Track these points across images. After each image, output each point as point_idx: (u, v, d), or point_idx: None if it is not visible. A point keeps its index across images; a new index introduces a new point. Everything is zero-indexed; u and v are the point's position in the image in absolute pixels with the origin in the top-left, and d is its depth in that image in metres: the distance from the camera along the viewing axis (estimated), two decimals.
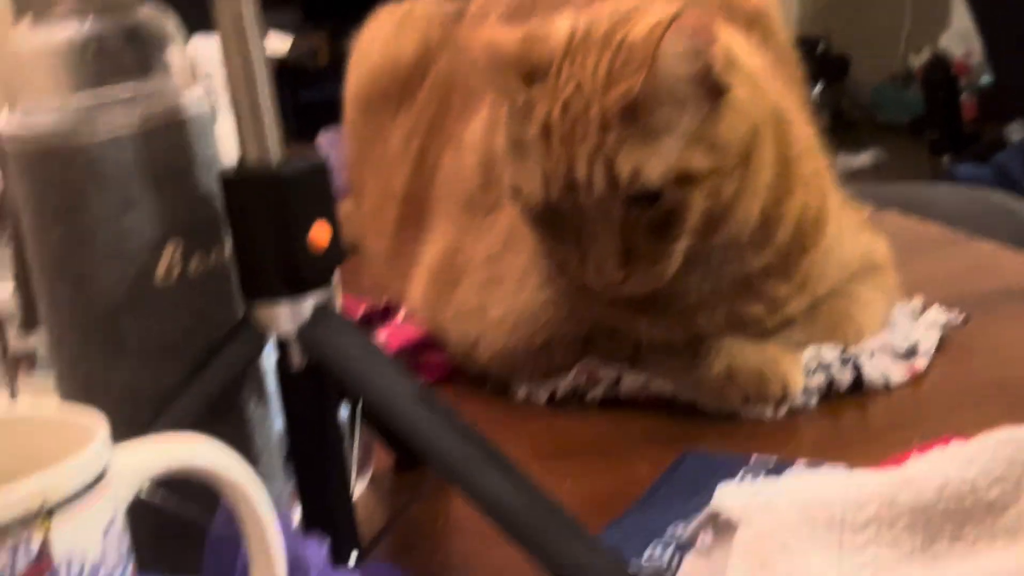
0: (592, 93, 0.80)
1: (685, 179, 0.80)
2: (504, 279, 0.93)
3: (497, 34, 0.84)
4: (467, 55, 0.84)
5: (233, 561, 0.62)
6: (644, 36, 0.80)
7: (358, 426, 0.74)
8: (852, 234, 0.92)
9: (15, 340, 0.89)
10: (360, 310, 1.03)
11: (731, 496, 0.57)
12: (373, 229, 1.11)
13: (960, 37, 4.26)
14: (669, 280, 0.83)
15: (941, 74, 4.09)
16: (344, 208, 1.12)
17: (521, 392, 0.92)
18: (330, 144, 1.46)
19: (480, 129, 0.99)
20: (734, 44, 0.84)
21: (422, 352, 0.98)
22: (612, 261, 0.80)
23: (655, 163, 0.79)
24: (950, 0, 4.35)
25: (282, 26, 4.37)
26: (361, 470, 0.79)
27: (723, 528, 0.57)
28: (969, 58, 4.20)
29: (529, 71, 0.82)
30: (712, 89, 0.80)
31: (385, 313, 1.04)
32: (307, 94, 4.51)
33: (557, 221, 0.82)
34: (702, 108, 0.80)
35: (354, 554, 0.68)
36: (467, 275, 0.96)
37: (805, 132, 0.89)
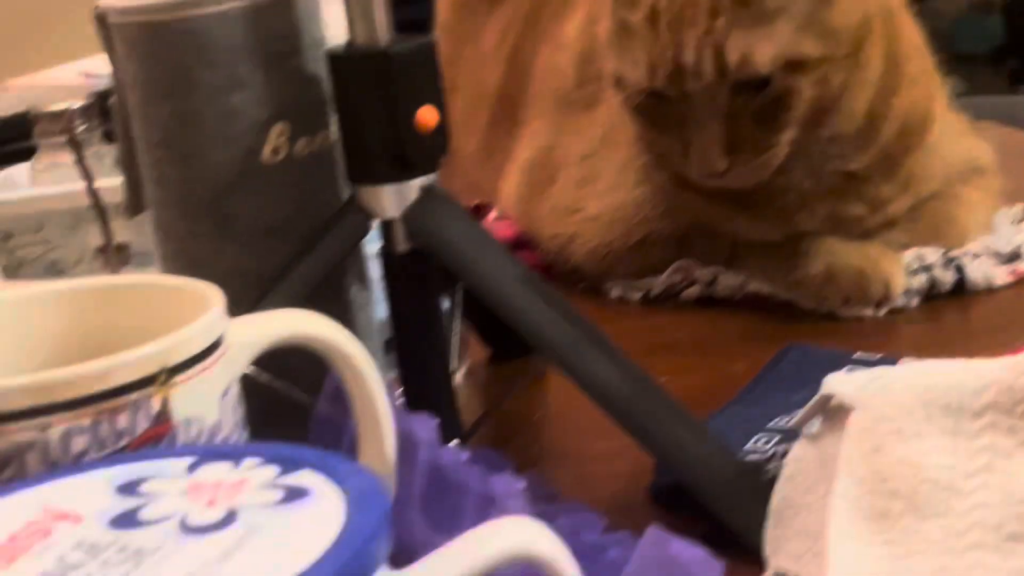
0: None
1: (795, 65, 0.79)
2: (600, 177, 0.93)
3: None
4: None
5: (337, 441, 0.62)
6: None
7: (458, 314, 0.74)
8: (956, 136, 0.90)
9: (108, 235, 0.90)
10: None
11: (844, 381, 0.56)
12: (465, 129, 1.10)
13: None
14: (771, 175, 0.82)
15: (1022, 2, 4.00)
16: None
17: (615, 291, 0.92)
18: None
19: (577, 27, 0.98)
20: None
21: (515, 250, 0.97)
22: (716, 150, 0.79)
23: (765, 48, 0.78)
24: None
25: None
26: (458, 361, 0.79)
27: (834, 414, 0.56)
28: None
29: None
30: None
31: (477, 212, 1.03)
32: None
33: (660, 110, 0.81)
34: None
35: (455, 441, 0.69)
36: (562, 172, 0.95)
37: (913, 31, 0.88)
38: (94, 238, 1.03)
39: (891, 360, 0.71)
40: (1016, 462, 0.53)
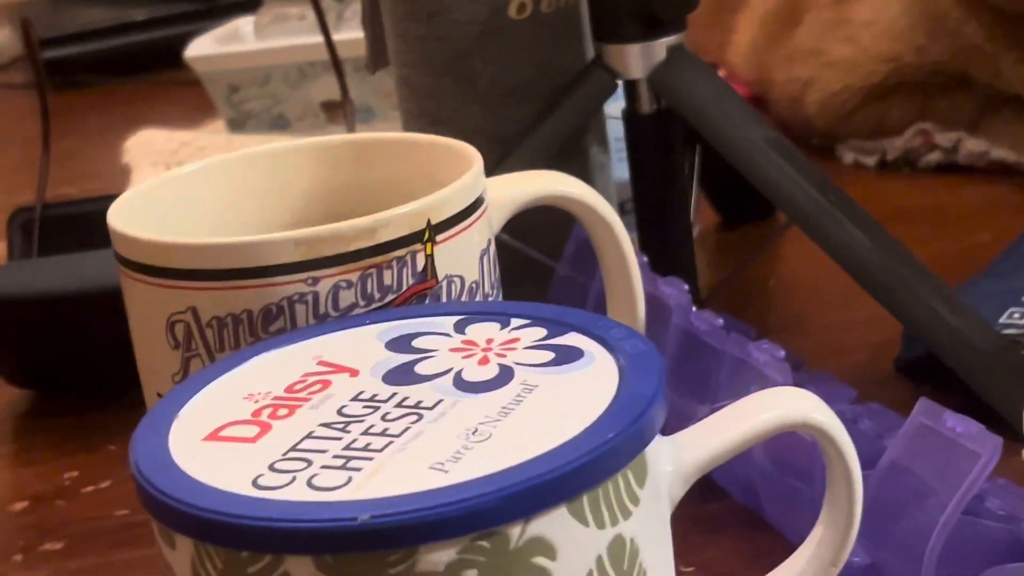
0: None
1: None
2: (852, 22, 0.89)
3: None
4: None
5: (581, 303, 0.62)
6: None
7: (696, 177, 0.72)
8: None
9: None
10: None
11: None
12: None
13: None
14: None
15: None
16: None
17: (848, 156, 0.90)
18: None
19: None
20: None
21: None
22: None
23: None
24: None
25: None
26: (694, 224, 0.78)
27: None
28: None
29: None
30: None
31: None
32: None
33: None
34: None
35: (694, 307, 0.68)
36: (808, 16, 0.92)
37: None
38: (319, 92, 1.04)
39: None
40: None
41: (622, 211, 0.74)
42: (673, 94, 0.64)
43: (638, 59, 0.64)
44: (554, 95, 0.65)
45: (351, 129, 0.84)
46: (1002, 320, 0.62)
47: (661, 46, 0.64)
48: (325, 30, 0.83)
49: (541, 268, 0.65)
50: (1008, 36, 0.83)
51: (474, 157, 0.50)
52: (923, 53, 0.87)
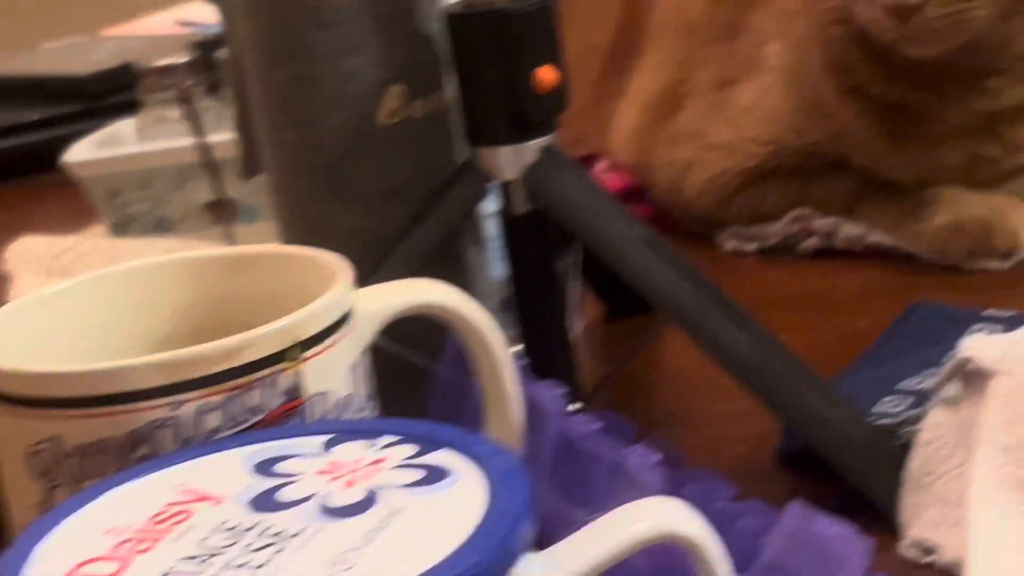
0: None
1: None
2: (733, 106, 0.91)
3: None
4: None
5: (460, 405, 0.62)
6: None
7: (576, 272, 0.73)
8: None
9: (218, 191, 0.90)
10: None
11: (984, 345, 0.54)
12: (574, 82, 1.08)
13: None
14: (925, 102, 0.79)
15: None
16: None
17: (729, 243, 0.90)
18: None
19: None
20: None
21: (626, 201, 0.96)
22: None
23: None
24: None
25: None
26: (575, 321, 0.78)
27: (972, 379, 0.55)
28: None
29: None
30: None
31: (586, 163, 1.02)
32: None
33: None
34: None
35: (576, 404, 0.68)
36: (690, 101, 0.94)
37: None
38: (202, 194, 1.04)
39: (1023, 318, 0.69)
40: None
41: (504, 308, 0.73)
42: (546, 195, 0.64)
43: (510, 161, 0.64)
44: (429, 197, 0.65)
45: (229, 232, 0.83)
46: (877, 409, 0.62)
47: (533, 147, 0.64)
48: (199, 132, 0.83)
49: (422, 370, 0.65)
50: (883, 122, 0.85)
51: (343, 269, 0.50)
52: (801, 136, 0.88)
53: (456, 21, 0.63)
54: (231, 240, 0.91)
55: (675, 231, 0.94)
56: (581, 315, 0.80)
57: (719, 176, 0.90)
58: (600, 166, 1.01)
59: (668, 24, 0.98)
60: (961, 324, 0.69)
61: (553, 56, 0.63)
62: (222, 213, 0.88)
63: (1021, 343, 0.53)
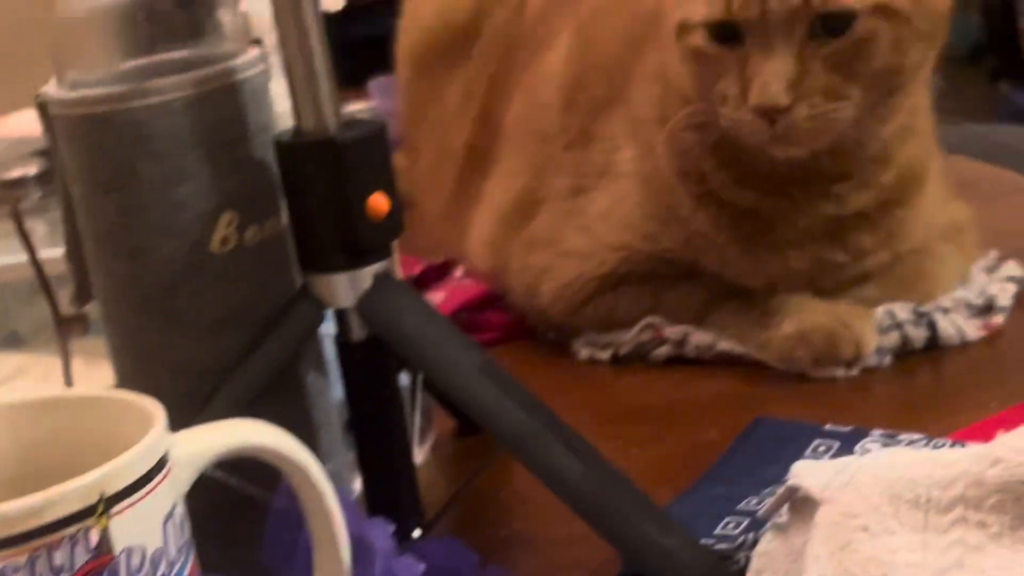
0: None
1: (882, 10, 0.78)
2: (587, 213, 0.91)
3: None
4: None
5: (295, 538, 0.61)
6: None
7: (419, 394, 0.72)
8: (943, 201, 0.90)
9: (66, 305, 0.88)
10: (417, 268, 1.01)
11: (812, 472, 0.54)
12: (430, 189, 1.09)
13: None
14: (774, 207, 0.81)
15: (999, 0, 4.01)
16: (397, 162, 1.10)
17: (583, 352, 0.90)
18: (380, 91, 1.44)
19: (558, 59, 0.96)
20: None
21: (482, 310, 0.96)
22: (781, 82, 0.77)
23: None
24: None
25: None
26: (422, 437, 0.78)
27: (801, 505, 0.55)
28: None
29: None
30: None
31: (443, 270, 1.02)
32: (353, 29, 4.49)
33: (722, 54, 0.80)
34: None
35: (417, 530, 0.67)
36: (544, 208, 0.94)
37: (924, 89, 0.87)
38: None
39: (862, 432, 0.70)
40: (987, 557, 0.52)
41: (348, 429, 0.73)
42: (381, 322, 0.63)
43: (345, 288, 0.63)
44: (264, 325, 0.64)
45: (65, 350, 0.81)
46: (717, 531, 0.62)
47: (367, 274, 0.64)
48: (29, 247, 0.81)
49: (260, 502, 0.64)
50: (735, 227, 0.86)
51: (158, 414, 0.49)
52: (654, 242, 0.89)
53: (287, 150, 0.63)
54: (84, 356, 0.89)
55: (532, 338, 0.94)
56: (430, 432, 0.79)
57: (573, 282, 0.90)
58: (458, 272, 1.01)
59: (521, 131, 0.99)
60: (802, 440, 0.70)
61: (385, 183, 0.63)
62: (69, 330, 0.86)
63: (846, 471, 0.54)
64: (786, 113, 0.78)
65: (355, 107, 1.49)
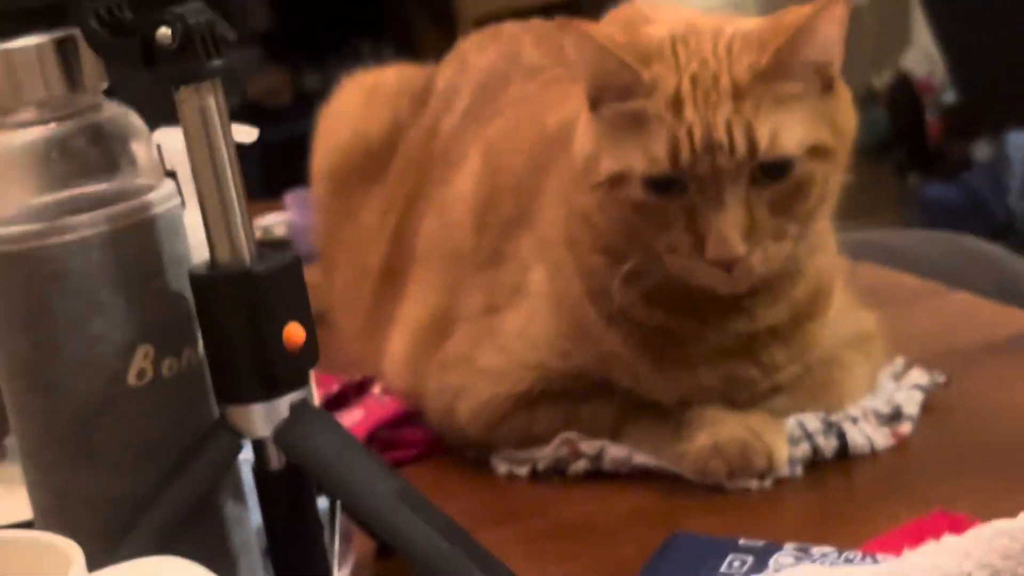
0: (719, 67, 0.81)
1: (815, 152, 0.81)
2: (501, 331, 0.92)
3: (593, 26, 0.84)
4: (581, 40, 0.83)
5: None
6: (778, 21, 0.82)
7: (337, 518, 0.72)
8: (850, 309, 0.92)
9: None
10: (335, 386, 1.01)
11: None
12: (346, 307, 1.09)
13: (922, 56, 4.28)
14: (686, 326, 0.83)
15: (905, 94, 4.10)
16: (312, 277, 1.11)
17: (502, 467, 0.91)
18: (296, 204, 1.45)
19: (468, 180, 0.98)
20: None
21: (400, 427, 0.96)
22: (737, 234, 0.79)
23: (791, 131, 0.80)
24: (911, 19, 4.37)
25: (243, 65, 4.38)
26: (342, 560, 0.78)
27: None
28: (932, 77, 4.22)
29: (643, 55, 0.82)
30: (828, 83, 0.82)
31: (361, 388, 1.02)
32: (271, 133, 4.51)
33: (663, 205, 0.81)
34: (821, 96, 0.82)
35: None
36: (459, 327, 0.95)
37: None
38: None
39: (775, 547, 0.71)
40: None
41: (267, 556, 0.73)
42: (298, 451, 0.64)
43: (262, 418, 0.64)
44: (181, 457, 0.64)
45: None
46: None
47: (284, 404, 0.64)
48: None
49: None
50: (646, 345, 0.87)
51: (74, 557, 0.49)
52: (568, 358, 0.90)
53: (202, 282, 0.64)
54: (3, 484, 0.88)
55: (451, 454, 0.95)
56: (349, 555, 0.79)
57: (489, 402, 0.91)
58: (376, 389, 1.01)
59: (435, 250, 1.00)
60: (717, 556, 0.71)
61: (301, 313, 0.64)
62: None
63: None
64: (743, 261, 0.80)
65: (272, 219, 1.50)
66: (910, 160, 4.01)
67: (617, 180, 0.83)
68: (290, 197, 1.45)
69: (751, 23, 0.83)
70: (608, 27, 0.86)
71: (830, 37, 0.81)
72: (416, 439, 0.95)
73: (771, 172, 0.80)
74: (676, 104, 0.81)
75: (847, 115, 0.84)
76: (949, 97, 4.13)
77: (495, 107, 1.00)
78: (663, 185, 0.81)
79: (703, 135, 0.79)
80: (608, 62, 0.82)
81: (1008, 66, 3.59)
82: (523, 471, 0.90)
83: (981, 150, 3.71)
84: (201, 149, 0.63)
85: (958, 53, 3.89)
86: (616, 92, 0.83)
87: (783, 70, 0.80)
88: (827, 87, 0.82)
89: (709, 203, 0.80)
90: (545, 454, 0.89)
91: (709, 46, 0.82)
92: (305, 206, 1.32)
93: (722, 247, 0.79)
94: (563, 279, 0.89)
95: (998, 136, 3.46)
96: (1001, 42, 3.59)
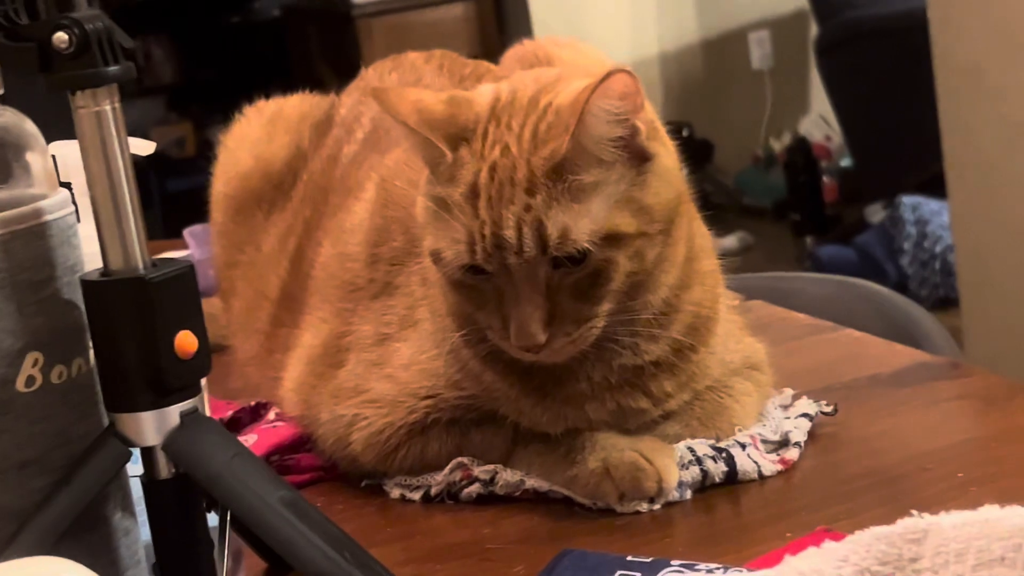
0: (519, 155, 0.81)
1: (612, 239, 0.81)
2: (391, 361, 0.92)
3: (424, 96, 0.84)
4: (395, 116, 0.84)
5: None
6: (571, 99, 0.81)
7: (227, 534, 0.72)
8: (736, 337, 0.93)
9: None
10: (229, 412, 1.01)
11: None
12: (244, 331, 1.09)
13: (820, 121, 4.37)
14: (568, 362, 0.84)
15: (802, 157, 4.18)
16: (211, 307, 1.10)
17: (395, 491, 0.91)
18: (196, 239, 1.44)
19: (363, 211, 0.98)
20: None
21: (294, 452, 0.96)
22: (536, 323, 0.80)
23: (583, 224, 0.80)
24: (809, 85, 4.46)
25: (147, 116, 4.36)
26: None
27: None
28: (829, 141, 4.31)
29: (455, 133, 0.83)
30: (638, 154, 0.82)
31: (255, 413, 1.02)
32: (174, 183, 4.48)
33: (479, 285, 0.82)
34: (629, 172, 0.82)
35: None
36: (352, 356, 0.95)
37: (704, 231, 0.91)
38: None
39: (662, 563, 0.72)
40: None
41: (155, 572, 0.72)
42: (187, 460, 0.64)
43: (151, 427, 0.64)
44: (69, 466, 0.64)
45: None
46: None
47: (174, 412, 0.64)
48: None
49: None
50: (525, 382, 0.87)
51: None
52: (458, 387, 0.90)
53: (94, 289, 0.64)
54: None
55: (344, 479, 0.95)
56: (240, 571, 0.79)
57: (383, 431, 0.91)
58: (271, 414, 1.01)
59: (329, 279, 1.00)
60: (605, 572, 0.71)
61: (194, 321, 0.64)
62: None
63: None
64: (545, 346, 0.81)
65: (171, 255, 1.50)
66: (806, 222, 4.08)
67: (436, 258, 0.84)
68: (189, 232, 1.44)
69: (574, 91, 0.82)
70: (434, 95, 0.85)
71: (620, 110, 0.80)
72: (310, 463, 0.95)
73: (571, 259, 0.81)
74: (473, 197, 0.81)
75: (665, 181, 0.83)
76: (845, 161, 4.21)
77: (393, 137, 1.01)
78: (474, 269, 0.82)
79: (492, 234, 0.80)
80: (416, 137, 0.84)
81: (901, 132, 3.68)
82: (416, 496, 0.90)
83: (875, 213, 3.78)
84: (96, 155, 0.63)
85: (853, 120, 3.98)
86: (431, 165, 0.84)
87: (582, 155, 0.80)
88: (640, 158, 0.82)
89: (509, 292, 0.82)
90: (439, 478, 0.90)
91: (517, 126, 0.82)
92: (204, 242, 1.32)
93: (522, 336, 0.81)
94: (441, 318, 0.90)
95: (892, 200, 3.53)
96: (894, 110, 3.68)
